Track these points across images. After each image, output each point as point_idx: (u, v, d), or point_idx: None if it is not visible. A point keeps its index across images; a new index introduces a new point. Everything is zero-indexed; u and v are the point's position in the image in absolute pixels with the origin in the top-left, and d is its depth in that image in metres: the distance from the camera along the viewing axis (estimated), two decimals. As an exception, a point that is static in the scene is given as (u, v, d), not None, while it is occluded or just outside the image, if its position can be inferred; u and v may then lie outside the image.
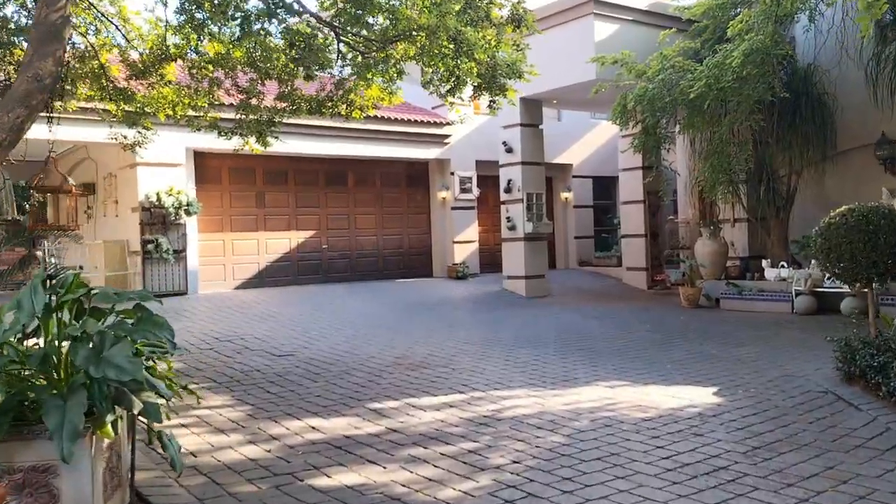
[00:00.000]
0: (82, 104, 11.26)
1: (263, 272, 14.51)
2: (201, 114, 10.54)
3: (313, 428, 5.53)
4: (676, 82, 10.78)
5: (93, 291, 3.38)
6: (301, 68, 10.14)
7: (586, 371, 7.56)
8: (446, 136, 16.27)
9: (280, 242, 14.76)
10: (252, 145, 10.68)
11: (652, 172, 13.56)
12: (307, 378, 7.39)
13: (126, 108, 10.65)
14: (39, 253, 11.46)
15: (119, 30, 10.46)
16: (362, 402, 6.32)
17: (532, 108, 14.45)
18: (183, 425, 5.60)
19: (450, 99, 10.38)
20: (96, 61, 10.26)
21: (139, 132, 10.56)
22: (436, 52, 8.23)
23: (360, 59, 9.98)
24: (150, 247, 12.54)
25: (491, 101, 10.15)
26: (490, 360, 8.24)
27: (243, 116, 10.58)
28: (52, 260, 12.70)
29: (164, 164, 12.95)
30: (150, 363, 3.58)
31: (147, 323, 3.33)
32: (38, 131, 12.19)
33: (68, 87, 11.06)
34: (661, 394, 6.44)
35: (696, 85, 10.29)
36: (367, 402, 6.32)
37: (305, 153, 14.53)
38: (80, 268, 13.79)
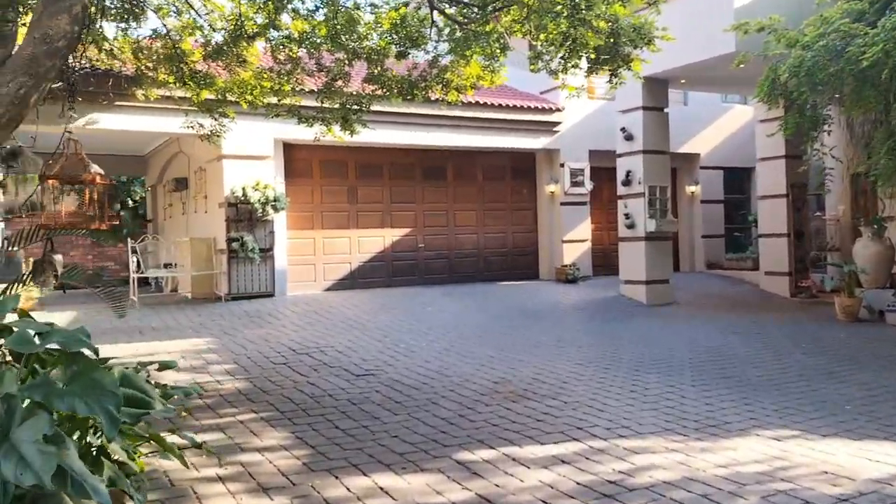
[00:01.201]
0: (159, 92, 10.57)
1: (355, 273, 13.44)
2: (283, 99, 9.52)
3: (381, 490, 4.21)
4: (842, 50, 8.80)
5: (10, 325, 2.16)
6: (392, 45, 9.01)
7: (738, 411, 5.90)
8: (556, 124, 14.66)
9: (373, 241, 13.65)
10: (335, 133, 9.57)
11: (803, 161, 11.50)
12: (386, 408, 6.11)
13: (206, 94, 9.80)
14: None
15: (197, 12, 9.61)
16: (449, 450, 4.96)
17: (656, 88, 12.65)
18: (219, 478, 4.41)
19: (561, 76, 8.94)
20: (170, 42, 9.45)
21: (215, 119, 9.68)
22: (547, 8, 6.75)
23: (458, 32, 8.70)
24: (235, 245, 11.69)
25: (611, 75, 8.58)
26: (611, 389, 6.70)
27: (327, 103, 9.50)
28: (135, 258, 12.09)
29: (250, 156, 12.08)
30: (102, 440, 2.32)
31: (84, 382, 2.08)
32: (122, 122, 11.66)
33: (150, 74, 10.40)
34: (851, 453, 4.74)
35: (869, 51, 8.31)
36: (455, 450, 4.95)
37: (401, 144, 13.36)
38: (167, 266, 13.20)
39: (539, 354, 8.41)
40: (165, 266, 13.14)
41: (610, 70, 8.53)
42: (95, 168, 4.78)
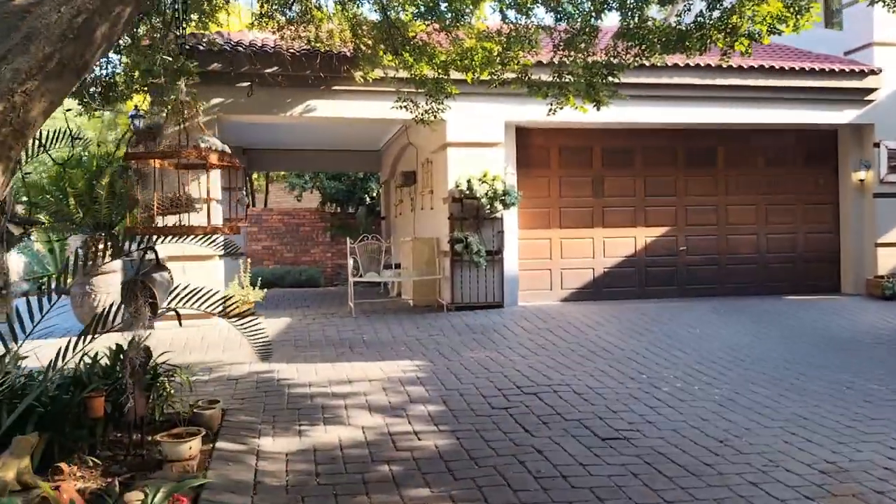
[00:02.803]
0: (377, 73, 9.31)
1: (599, 281, 11.21)
2: (511, 63, 7.67)
3: None
4: None
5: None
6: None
7: None
8: (869, 91, 11.18)
9: (621, 242, 11.32)
10: (575, 103, 7.50)
11: None
12: (650, 514, 3.91)
13: (426, 68, 8.30)
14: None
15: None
16: None
17: None
18: None
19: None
20: (385, 13, 8.06)
21: (431, 96, 8.11)
22: None
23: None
24: (458, 247, 10.08)
25: None
26: None
27: (566, 73, 7.48)
28: (352, 260, 10.97)
29: (478, 143, 10.40)
30: None
31: None
32: (338, 108, 10.59)
33: (368, 52, 9.20)
34: None
35: None
36: None
37: (658, 123, 10.90)
38: (388, 268, 12.01)
39: (876, 418, 5.64)
40: (386, 268, 11.94)
41: None
42: (212, 142, 3.21)
